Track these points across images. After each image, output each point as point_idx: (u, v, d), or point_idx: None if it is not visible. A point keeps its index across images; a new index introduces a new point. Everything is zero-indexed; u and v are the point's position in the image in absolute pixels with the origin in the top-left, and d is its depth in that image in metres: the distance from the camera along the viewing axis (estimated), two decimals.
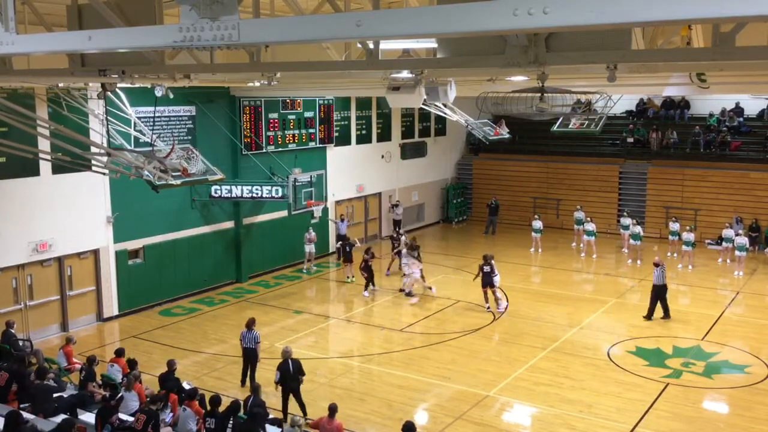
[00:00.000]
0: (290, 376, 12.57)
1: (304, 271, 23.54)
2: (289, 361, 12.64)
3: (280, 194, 20.80)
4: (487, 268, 19.06)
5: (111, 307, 18.88)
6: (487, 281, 19.09)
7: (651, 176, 29.11)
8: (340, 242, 23.81)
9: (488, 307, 19.17)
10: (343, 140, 26.33)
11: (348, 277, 22.38)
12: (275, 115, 22.98)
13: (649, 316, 18.51)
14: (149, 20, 7.89)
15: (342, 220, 25.59)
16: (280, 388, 12.66)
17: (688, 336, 17.41)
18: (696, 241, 23.99)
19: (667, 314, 18.51)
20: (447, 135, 32.47)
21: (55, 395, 11.40)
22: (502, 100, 13.69)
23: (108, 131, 16.58)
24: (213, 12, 4.63)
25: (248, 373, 14.14)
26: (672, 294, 21.14)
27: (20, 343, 14.24)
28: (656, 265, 18.64)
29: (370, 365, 15.76)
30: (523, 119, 23.69)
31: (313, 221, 24.01)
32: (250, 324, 14.06)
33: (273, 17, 9.05)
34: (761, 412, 13.36)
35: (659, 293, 18.50)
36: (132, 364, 12.37)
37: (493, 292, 19.26)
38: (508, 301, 19.93)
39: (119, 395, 11.25)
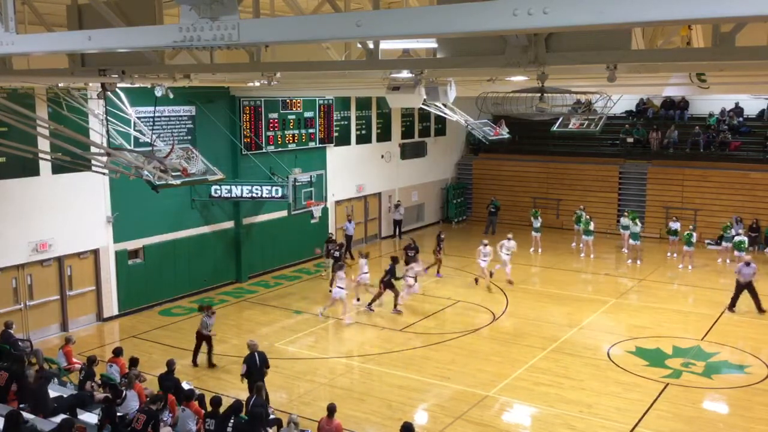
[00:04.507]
0: (256, 369, 12.83)
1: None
2: (255, 354, 12.90)
3: (280, 194, 20.81)
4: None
5: (111, 307, 18.88)
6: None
7: (651, 176, 29.11)
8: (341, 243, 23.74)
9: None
10: (343, 140, 26.33)
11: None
12: (275, 115, 22.97)
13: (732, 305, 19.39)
14: (149, 20, 7.89)
15: (349, 221, 25.52)
16: (246, 380, 12.96)
17: (688, 336, 17.40)
18: (696, 241, 23.98)
19: (732, 306, 19.31)
20: (447, 135, 32.45)
21: (54, 394, 11.40)
22: (502, 100, 13.69)
23: (108, 131, 16.57)
24: (213, 12, 4.64)
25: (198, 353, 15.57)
26: (673, 294, 21.22)
27: (20, 343, 14.24)
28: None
29: (369, 365, 15.76)
30: (523, 119, 23.76)
31: (312, 221, 23.99)
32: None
33: (273, 17, 9.05)
34: (761, 412, 13.35)
35: (744, 286, 19.29)
36: (133, 362, 12.37)
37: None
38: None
39: (123, 395, 11.24)
